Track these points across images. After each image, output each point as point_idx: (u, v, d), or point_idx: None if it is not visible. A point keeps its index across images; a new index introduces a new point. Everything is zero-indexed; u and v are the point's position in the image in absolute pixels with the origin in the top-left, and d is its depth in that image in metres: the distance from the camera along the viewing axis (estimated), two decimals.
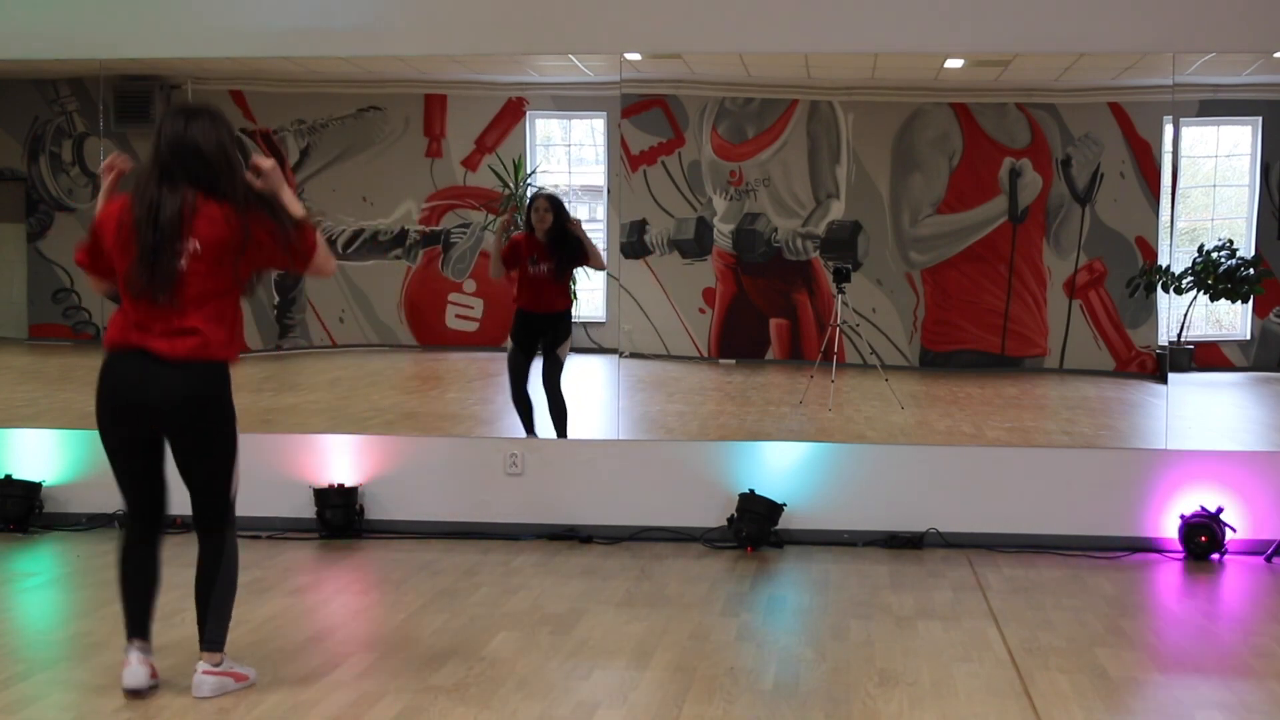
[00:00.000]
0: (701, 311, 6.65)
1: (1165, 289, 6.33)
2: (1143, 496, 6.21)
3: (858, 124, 6.50)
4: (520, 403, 6.69)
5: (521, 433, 6.65)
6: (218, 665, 3.99)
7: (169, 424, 3.91)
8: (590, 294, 6.79)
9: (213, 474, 3.97)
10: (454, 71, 6.65)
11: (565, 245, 6.59)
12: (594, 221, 6.85)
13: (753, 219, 6.57)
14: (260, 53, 6.49)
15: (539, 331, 6.68)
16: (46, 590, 5.54)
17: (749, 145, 6.54)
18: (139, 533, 4.04)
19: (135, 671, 3.95)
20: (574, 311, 6.78)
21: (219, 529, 4.01)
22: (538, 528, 6.41)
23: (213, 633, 4.00)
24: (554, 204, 6.58)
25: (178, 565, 5.67)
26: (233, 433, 3.98)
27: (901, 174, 6.49)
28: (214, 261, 3.83)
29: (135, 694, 3.93)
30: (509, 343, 6.72)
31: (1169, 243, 6.34)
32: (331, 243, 6.80)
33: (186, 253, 3.80)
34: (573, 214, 6.70)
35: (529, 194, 6.74)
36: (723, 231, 6.59)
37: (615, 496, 6.41)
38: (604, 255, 6.61)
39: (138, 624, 4.01)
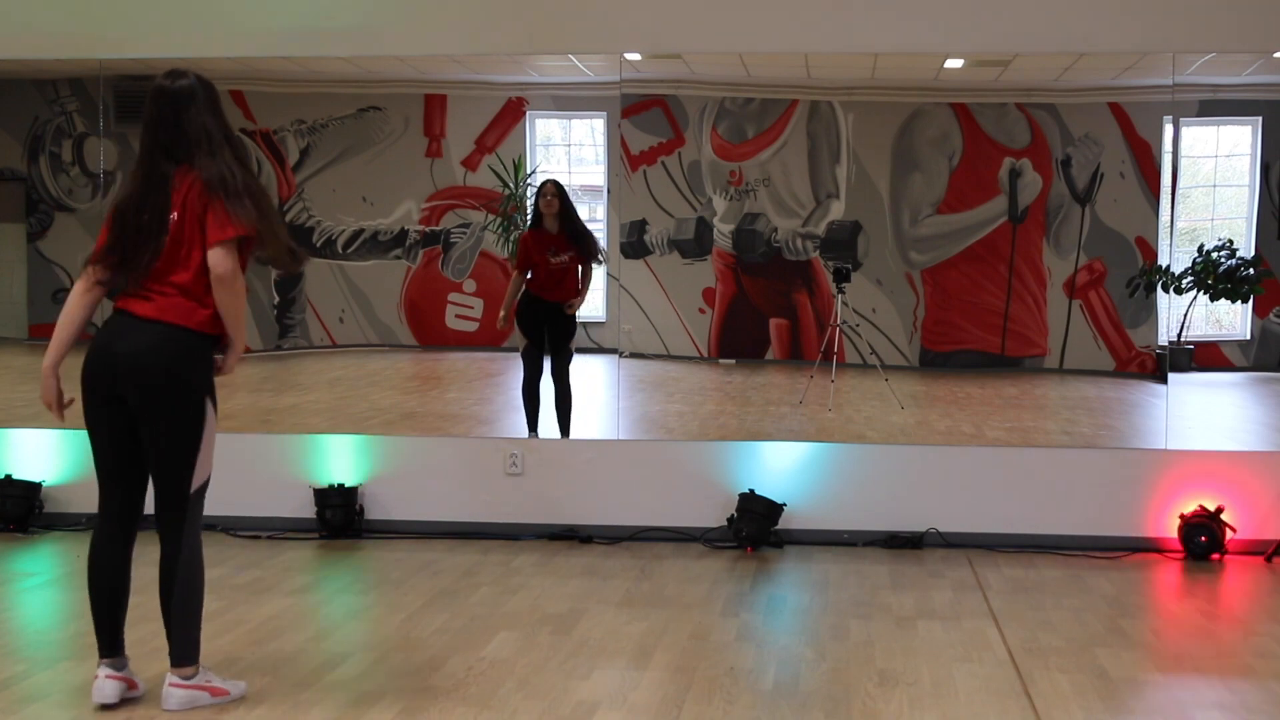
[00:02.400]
0: (701, 311, 6.65)
1: (1165, 289, 6.33)
2: (1143, 496, 6.21)
3: (858, 124, 6.50)
4: (531, 398, 6.68)
5: (522, 431, 6.64)
6: (189, 679, 3.83)
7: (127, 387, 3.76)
8: (590, 294, 6.79)
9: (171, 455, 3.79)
10: (454, 71, 6.65)
11: (581, 237, 6.61)
12: (594, 221, 6.85)
13: (753, 219, 6.57)
14: (260, 53, 6.49)
15: (546, 319, 6.67)
16: (46, 590, 5.54)
17: (749, 145, 6.54)
18: (109, 529, 3.92)
19: (102, 687, 3.83)
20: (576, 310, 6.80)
21: (176, 527, 3.81)
22: (538, 528, 6.41)
23: (178, 646, 3.83)
24: (559, 188, 6.59)
25: None
26: (198, 414, 3.79)
27: (901, 174, 6.49)
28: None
29: (107, 708, 3.84)
30: (521, 338, 6.70)
31: (1169, 243, 6.34)
32: (331, 242, 6.80)
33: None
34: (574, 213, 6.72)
35: (529, 194, 6.75)
36: (723, 231, 6.59)
37: (615, 496, 6.41)
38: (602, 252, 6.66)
39: (107, 641, 3.88)
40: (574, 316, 6.70)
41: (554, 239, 6.60)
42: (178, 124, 3.81)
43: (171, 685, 3.82)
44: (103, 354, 3.79)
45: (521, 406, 6.72)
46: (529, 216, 6.73)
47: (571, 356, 6.69)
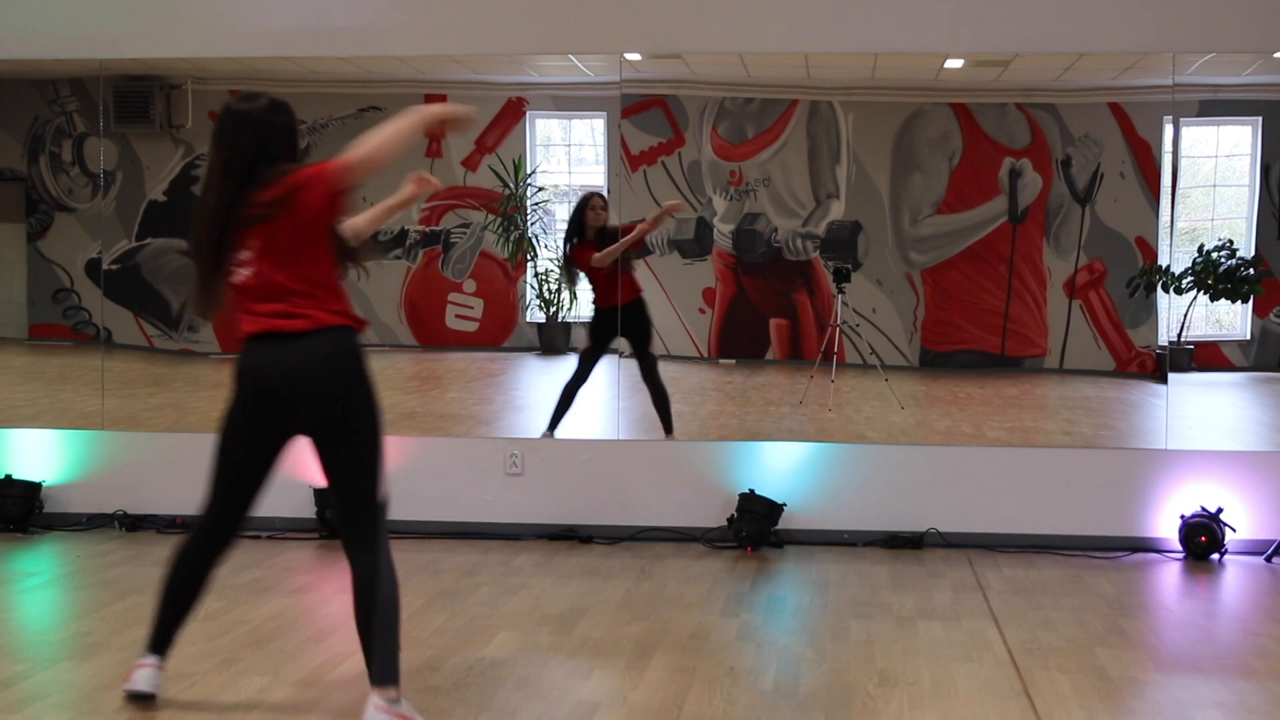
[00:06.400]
0: (701, 311, 6.65)
1: (1165, 289, 6.33)
2: (1143, 496, 6.21)
3: (858, 124, 6.50)
4: (568, 398, 6.59)
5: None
6: (393, 702, 3.57)
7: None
8: (590, 294, 6.79)
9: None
10: (454, 71, 6.65)
11: (613, 239, 6.57)
12: None
13: (753, 219, 6.57)
14: (260, 53, 6.49)
15: (619, 324, 6.64)
16: (46, 590, 5.54)
17: (749, 145, 6.54)
18: (204, 537, 3.81)
19: (142, 676, 3.79)
20: (575, 312, 6.80)
21: (370, 541, 3.61)
22: (538, 528, 6.41)
23: (380, 665, 3.59)
24: (606, 201, 6.56)
25: None
26: (378, 420, 3.65)
27: (901, 174, 6.49)
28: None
29: (139, 697, 3.83)
30: (586, 341, 6.65)
31: (1169, 243, 6.34)
32: None
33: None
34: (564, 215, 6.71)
35: (529, 194, 6.74)
36: (723, 231, 6.59)
37: (615, 496, 6.41)
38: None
39: (161, 639, 3.83)
40: (643, 314, 6.59)
41: (597, 248, 6.55)
42: (232, 144, 3.67)
43: (376, 708, 3.55)
44: (266, 381, 3.61)
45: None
46: (528, 218, 6.73)
47: (655, 359, 6.59)
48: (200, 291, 3.70)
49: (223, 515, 3.80)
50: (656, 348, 6.64)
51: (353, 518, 3.64)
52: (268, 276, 3.61)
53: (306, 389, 3.59)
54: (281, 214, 3.58)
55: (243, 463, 3.74)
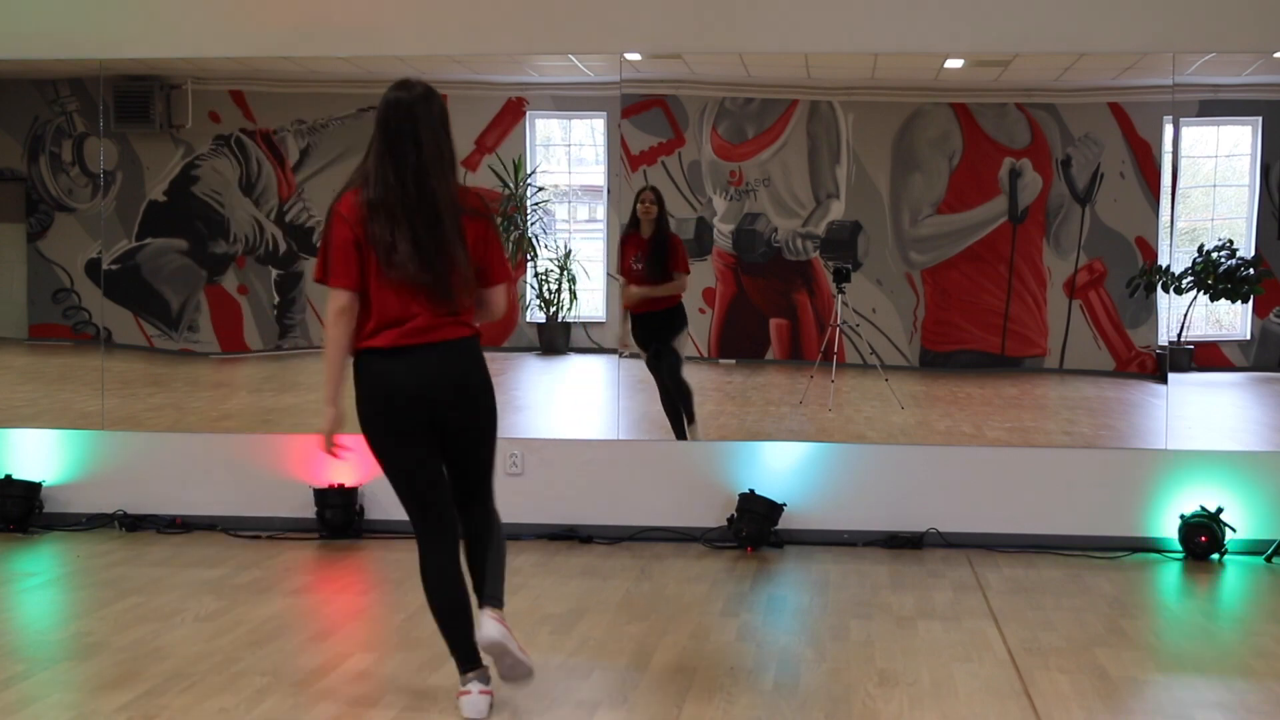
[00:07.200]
0: (701, 311, 6.65)
1: (1165, 289, 6.33)
2: (1143, 496, 6.21)
3: (858, 124, 6.50)
4: (667, 407, 6.60)
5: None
6: (501, 617, 3.83)
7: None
8: (590, 294, 6.79)
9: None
10: (454, 71, 6.65)
11: (664, 244, 6.55)
12: (594, 222, 6.85)
13: (753, 219, 6.57)
14: (260, 53, 6.49)
15: (653, 330, 6.63)
16: (46, 590, 5.54)
17: (749, 145, 6.54)
18: (437, 548, 3.93)
19: (477, 703, 3.80)
20: (574, 310, 6.80)
21: (487, 499, 3.98)
22: (538, 528, 6.41)
23: (492, 587, 3.87)
24: (658, 195, 6.54)
25: (177, 565, 5.69)
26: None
27: (901, 174, 6.49)
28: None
29: None
30: (638, 348, 6.63)
31: (1169, 243, 6.34)
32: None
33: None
34: (571, 215, 6.70)
35: (529, 194, 6.75)
36: (723, 231, 6.59)
37: (615, 496, 6.41)
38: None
39: (466, 654, 3.85)
40: (679, 317, 6.59)
41: (643, 244, 6.54)
42: (416, 137, 3.84)
43: (490, 617, 3.79)
44: (419, 385, 3.91)
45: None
46: (528, 218, 6.73)
47: (678, 358, 6.59)
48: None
49: (438, 519, 3.95)
50: None
51: (475, 489, 3.96)
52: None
53: (462, 394, 3.91)
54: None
55: (425, 469, 3.91)
